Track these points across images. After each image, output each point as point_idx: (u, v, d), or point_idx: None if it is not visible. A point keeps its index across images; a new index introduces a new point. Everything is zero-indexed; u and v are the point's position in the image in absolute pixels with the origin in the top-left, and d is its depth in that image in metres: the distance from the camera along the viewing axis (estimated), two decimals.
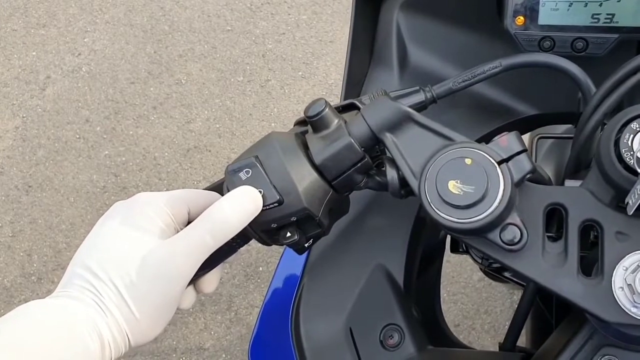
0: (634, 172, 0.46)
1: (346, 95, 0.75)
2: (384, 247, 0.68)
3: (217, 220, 0.50)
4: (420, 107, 0.61)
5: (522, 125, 0.75)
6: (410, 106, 0.59)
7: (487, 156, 0.49)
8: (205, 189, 0.58)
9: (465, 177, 0.48)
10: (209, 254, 0.50)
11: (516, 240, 0.49)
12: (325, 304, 0.68)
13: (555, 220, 0.55)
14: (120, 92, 2.26)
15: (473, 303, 1.87)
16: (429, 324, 0.85)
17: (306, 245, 0.56)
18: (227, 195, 0.51)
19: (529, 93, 0.73)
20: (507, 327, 0.74)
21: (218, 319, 1.82)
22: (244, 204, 0.50)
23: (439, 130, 0.52)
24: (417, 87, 0.61)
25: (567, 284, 0.49)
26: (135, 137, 2.16)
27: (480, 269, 1.07)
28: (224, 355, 1.78)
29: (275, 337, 0.68)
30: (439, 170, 0.49)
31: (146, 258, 0.49)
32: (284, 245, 0.55)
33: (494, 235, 0.50)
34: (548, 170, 1.04)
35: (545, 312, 0.82)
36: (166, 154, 2.13)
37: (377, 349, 0.64)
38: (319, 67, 2.29)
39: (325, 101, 0.54)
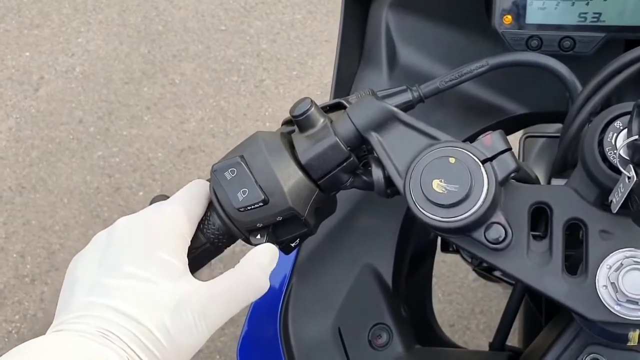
0: (618, 171, 0.46)
1: (335, 95, 0.75)
2: (372, 246, 0.68)
3: (252, 275, 0.51)
4: (407, 107, 0.61)
5: (512, 124, 0.75)
6: (397, 105, 0.59)
7: (471, 155, 0.49)
8: None
9: (449, 176, 0.48)
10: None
11: (501, 239, 0.49)
12: (314, 303, 0.68)
13: (542, 219, 0.55)
14: (114, 92, 2.26)
15: (468, 303, 1.87)
16: (419, 323, 0.85)
17: (292, 245, 0.56)
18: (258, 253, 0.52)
19: (518, 92, 0.73)
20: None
21: None
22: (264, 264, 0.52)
23: (424, 130, 0.52)
24: (404, 87, 0.61)
25: (552, 282, 0.49)
26: (129, 138, 2.16)
27: (472, 268, 1.07)
28: (218, 357, 1.78)
29: (263, 337, 0.68)
30: (424, 169, 0.49)
31: (181, 303, 0.47)
32: None
33: (479, 234, 0.50)
34: (541, 169, 1.04)
35: (535, 311, 0.82)
36: (160, 154, 2.12)
37: (366, 349, 0.64)
38: (314, 67, 2.29)
39: (311, 100, 0.54)
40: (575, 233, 0.53)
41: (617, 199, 0.46)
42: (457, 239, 0.51)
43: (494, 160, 0.49)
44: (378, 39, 0.77)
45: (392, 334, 0.64)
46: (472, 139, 0.74)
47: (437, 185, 0.48)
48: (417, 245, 0.79)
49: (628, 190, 0.45)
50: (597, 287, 0.47)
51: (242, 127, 2.18)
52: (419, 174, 0.49)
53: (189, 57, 2.35)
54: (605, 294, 0.47)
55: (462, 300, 1.87)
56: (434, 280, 1.98)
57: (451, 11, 0.74)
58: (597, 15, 0.63)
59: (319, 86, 2.26)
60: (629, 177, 0.44)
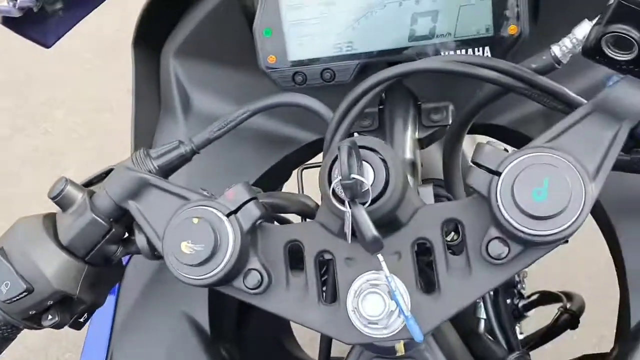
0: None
1: (136, 147, 0.77)
2: (185, 293, 0.70)
3: None
4: (183, 160, 0.63)
5: (308, 151, 0.79)
6: (171, 161, 0.61)
7: (215, 211, 0.52)
8: None
9: (195, 236, 0.50)
10: None
11: (259, 284, 0.52)
12: None
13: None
14: None
15: None
16: (271, 347, 0.88)
17: (81, 320, 0.57)
18: None
19: (307, 120, 0.77)
20: None
21: None
22: None
23: (176, 192, 0.54)
24: (177, 142, 0.63)
25: (310, 314, 0.52)
26: (7, 198, 2.09)
27: None
28: None
29: None
30: (172, 232, 0.51)
31: None
32: (56, 327, 0.55)
33: (239, 283, 0.52)
34: None
35: None
36: (44, 210, 2.07)
37: None
38: None
39: (66, 179, 0.55)
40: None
41: (346, 229, 0.50)
42: (223, 289, 0.53)
43: (238, 212, 0.52)
44: (170, 87, 0.79)
45: None
46: (273, 170, 0.78)
47: (185, 247, 0.50)
48: None
49: (350, 222, 0.49)
50: (348, 312, 0.51)
51: None
52: (171, 237, 0.52)
53: (58, 102, 2.30)
54: (354, 318, 0.51)
55: None
56: None
57: (233, 53, 0.76)
58: (349, 44, 0.68)
59: None
60: (346, 211, 0.48)
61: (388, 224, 0.52)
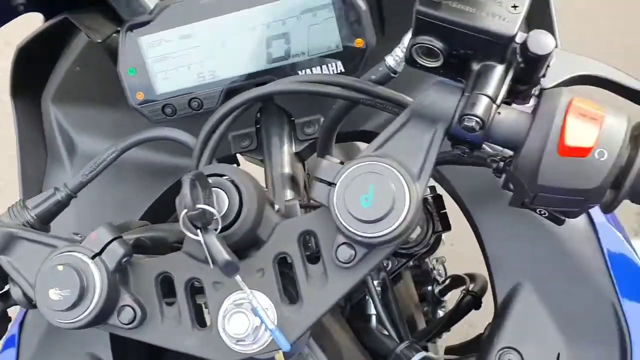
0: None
1: (24, 195, 0.78)
2: (86, 334, 0.71)
3: None
4: (60, 207, 0.65)
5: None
6: (48, 207, 0.63)
7: (80, 255, 0.54)
8: None
9: (61, 282, 0.52)
10: None
11: (132, 319, 0.54)
12: None
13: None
14: None
15: None
16: None
17: None
18: None
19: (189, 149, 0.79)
20: None
21: None
22: None
23: (44, 241, 0.56)
24: (52, 190, 0.65)
25: (185, 341, 0.55)
26: None
27: None
28: None
29: None
30: (41, 281, 0.53)
31: None
32: None
33: (114, 320, 0.55)
34: None
35: None
36: None
37: None
38: None
39: None
40: None
41: (207, 256, 0.53)
42: (100, 327, 0.55)
43: (103, 253, 0.54)
44: (53, 134, 0.80)
45: None
46: (160, 201, 0.80)
47: (54, 293, 0.52)
48: None
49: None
50: (220, 333, 0.54)
51: None
52: (41, 286, 0.53)
53: None
54: (225, 338, 0.53)
55: None
56: None
57: (107, 94, 0.78)
58: (212, 72, 0.70)
59: None
60: (200, 239, 0.51)
61: (250, 243, 0.55)
